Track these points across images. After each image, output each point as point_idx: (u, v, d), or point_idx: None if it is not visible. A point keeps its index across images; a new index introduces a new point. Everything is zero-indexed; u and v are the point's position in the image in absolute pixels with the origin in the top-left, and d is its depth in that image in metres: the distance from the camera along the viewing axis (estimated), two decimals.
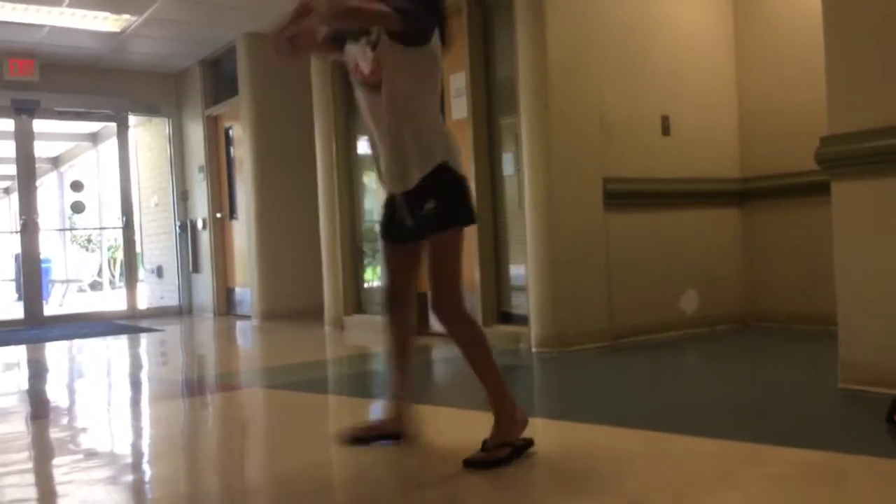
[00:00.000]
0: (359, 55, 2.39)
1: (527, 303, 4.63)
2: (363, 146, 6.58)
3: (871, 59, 3.04)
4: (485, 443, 2.38)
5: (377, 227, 6.23)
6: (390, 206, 2.50)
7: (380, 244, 2.61)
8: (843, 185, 3.16)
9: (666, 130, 4.98)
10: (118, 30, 7.22)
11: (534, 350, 4.52)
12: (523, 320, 4.72)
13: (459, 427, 3.04)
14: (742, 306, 5.26)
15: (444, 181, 2.39)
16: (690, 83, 5.11)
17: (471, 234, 5.01)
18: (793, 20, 4.94)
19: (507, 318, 5.01)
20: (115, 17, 6.89)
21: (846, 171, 3.13)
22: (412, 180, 2.38)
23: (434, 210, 2.37)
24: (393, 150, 2.37)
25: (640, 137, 4.87)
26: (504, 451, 2.35)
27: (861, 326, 3.10)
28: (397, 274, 2.57)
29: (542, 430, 2.98)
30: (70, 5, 6.47)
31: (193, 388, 4.41)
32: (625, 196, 4.74)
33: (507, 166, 4.96)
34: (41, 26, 6.98)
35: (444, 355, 4.83)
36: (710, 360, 4.36)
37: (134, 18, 6.93)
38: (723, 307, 5.18)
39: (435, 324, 5.80)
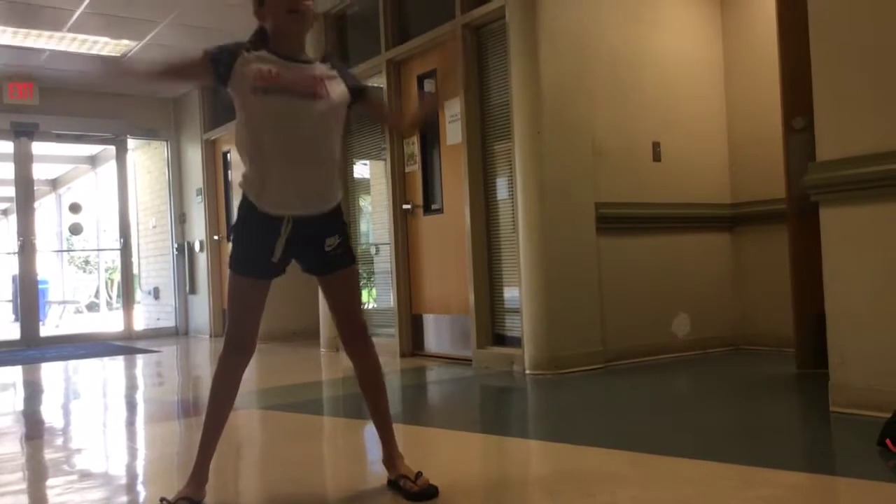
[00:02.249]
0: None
1: (520, 325, 4.66)
2: (359, 169, 6.64)
3: (858, 86, 3.10)
4: (416, 476, 2.30)
5: (372, 250, 6.35)
6: (272, 236, 2.26)
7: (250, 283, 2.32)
8: (832, 211, 3.20)
9: (657, 156, 5.05)
10: (118, 55, 7.30)
11: (527, 372, 4.54)
12: (517, 342, 4.75)
13: (451, 449, 3.06)
14: (733, 330, 5.29)
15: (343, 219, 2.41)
16: (681, 110, 5.19)
17: (464, 257, 5.07)
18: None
19: (500, 339, 5.03)
20: (114, 42, 6.98)
21: (834, 197, 3.18)
22: (331, 204, 2.33)
23: (344, 244, 2.36)
24: (325, 168, 2.30)
25: (631, 163, 4.93)
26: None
27: (851, 350, 3.14)
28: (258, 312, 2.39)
29: (535, 453, 3.00)
30: (70, 30, 6.55)
31: (189, 409, 4.42)
32: (617, 220, 4.79)
33: (501, 191, 5.01)
34: (42, 50, 7.06)
35: (438, 377, 4.86)
36: (701, 383, 4.39)
37: (133, 44, 7.02)
38: (714, 331, 5.21)
39: (430, 345, 5.79)
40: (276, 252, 2.26)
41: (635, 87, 4.97)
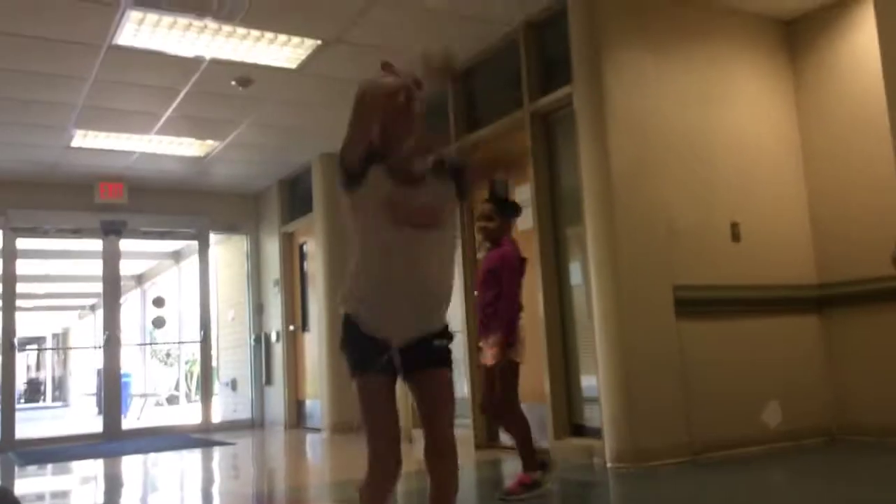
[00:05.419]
0: (420, 194, 2.20)
1: (600, 415, 4.49)
2: None
3: None
4: None
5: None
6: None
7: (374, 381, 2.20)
8: None
9: (736, 237, 4.90)
10: (202, 154, 7.66)
11: (608, 465, 4.34)
12: (596, 433, 4.57)
13: None
14: (829, 419, 4.96)
15: None
16: (758, 189, 5.06)
17: (539, 345, 4.96)
18: (858, 122, 4.89)
19: (579, 430, 4.85)
20: (199, 142, 7.32)
21: None
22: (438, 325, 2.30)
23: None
24: (438, 294, 2.27)
25: (709, 244, 4.80)
26: None
27: None
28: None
29: None
30: (158, 132, 6.92)
31: (264, 502, 4.37)
32: (697, 304, 4.63)
33: (575, 276, 4.94)
34: (131, 152, 7.46)
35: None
36: (798, 477, 4.09)
37: (217, 143, 7.35)
38: (808, 420, 4.90)
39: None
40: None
41: (708, 166, 4.89)
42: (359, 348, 2.21)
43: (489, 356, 3.74)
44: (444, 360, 2.28)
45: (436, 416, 2.29)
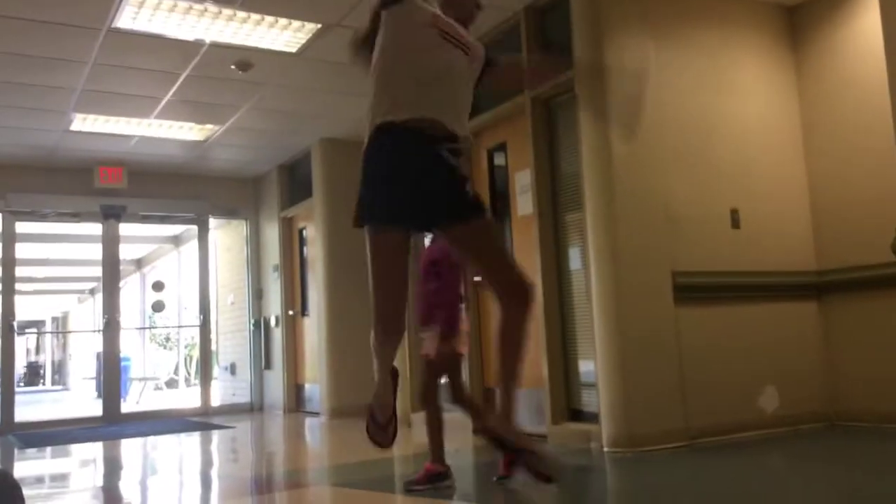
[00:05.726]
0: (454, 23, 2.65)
1: (597, 400, 4.51)
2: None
3: None
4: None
5: None
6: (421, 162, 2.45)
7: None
8: None
9: (736, 223, 4.90)
10: (202, 138, 7.64)
11: (605, 449, 4.36)
12: (594, 418, 4.59)
13: None
14: (826, 405, 4.99)
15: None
16: (759, 176, 5.05)
17: (538, 329, 4.97)
18: (860, 109, 4.88)
19: (576, 415, 4.88)
20: (199, 126, 7.31)
21: None
22: (464, 130, 2.52)
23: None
24: (464, 105, 2.54)
25: (709, 230, 4.80)
26: None
27: None
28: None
29: None
30: (158, 117, 6.90)
31: (262, 485, 4.40)
32: (696, 290, 4.64)
33: (574, 261, 4.94)
34: (130, 137, 7.45)
35: None
36: (795, 463, 4.12)
37: (217, 128, 7.33)
38: (805, 406, 4.93)
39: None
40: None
41: (709, 152, 4.88)
42: (390, 170, 2.39)
43: (431, 348, 3.74)
44: (482, 207, 2.48)
45: (503, 259, 2.46)
